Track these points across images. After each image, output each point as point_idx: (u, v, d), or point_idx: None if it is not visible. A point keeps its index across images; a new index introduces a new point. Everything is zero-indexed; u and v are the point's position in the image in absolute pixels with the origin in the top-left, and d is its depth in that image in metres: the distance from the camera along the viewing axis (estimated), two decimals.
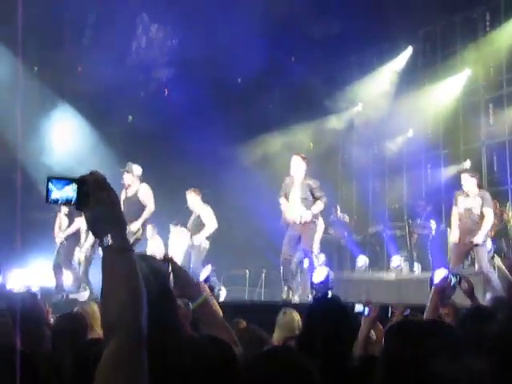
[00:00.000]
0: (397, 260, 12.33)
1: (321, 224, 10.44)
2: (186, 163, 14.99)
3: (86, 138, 15.29)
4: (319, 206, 9.03)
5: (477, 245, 8.76)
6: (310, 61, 14.80)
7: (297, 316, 4.89)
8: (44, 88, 14.84)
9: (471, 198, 8.90)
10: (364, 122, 16.13)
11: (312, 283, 7.23)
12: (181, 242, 11.37)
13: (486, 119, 14.36)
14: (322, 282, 6.98)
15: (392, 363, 1.82)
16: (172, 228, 12.14)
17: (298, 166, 9.17)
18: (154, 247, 11.76)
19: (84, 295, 10.34)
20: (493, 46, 14.01)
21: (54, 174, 1.76)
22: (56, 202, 1.75)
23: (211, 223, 10.55)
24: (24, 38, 13.41)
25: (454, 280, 4.44)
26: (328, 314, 3.09)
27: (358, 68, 16.45)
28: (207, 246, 10.55)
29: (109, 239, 1.63)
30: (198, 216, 10.68)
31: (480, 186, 9.21)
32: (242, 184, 14.52)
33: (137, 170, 10.32)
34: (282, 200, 9.21)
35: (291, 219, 8.99)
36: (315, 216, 9.08)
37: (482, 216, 8.85)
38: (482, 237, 8.77)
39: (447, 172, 14.54)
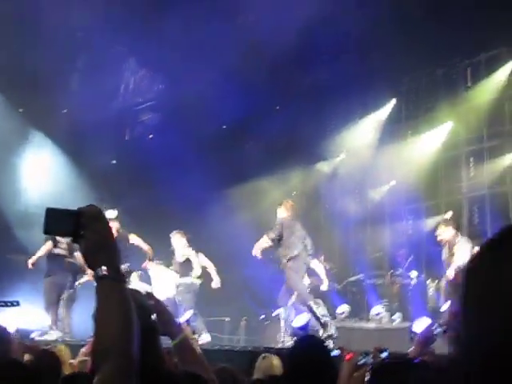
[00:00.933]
0: (377, 309, 12.30)
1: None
2: (168, 208, 14.98)
3: (68, 180, 15.28)
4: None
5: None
6: (295, 109, 14.98)
7: (276, 361, 4.85)
8: (28, 129, 14.91)
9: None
10: (347, 171, 16.25)
11: (293, 328, 7.19)
12: (163, 278, 11.31)
13: (467, 172, 14.55)
14: (302, 328, 6.94)
15: None
16: (156, 263, 12.14)
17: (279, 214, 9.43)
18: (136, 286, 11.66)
19: (53, 334, 10.31)
20: (474, 100, 14.28)
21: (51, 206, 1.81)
22: (53, 232, 1.81)
23: (197, 265, 10.61)
24: (11, 79, 13.56)
25: (438, 330, 4.48)
26: (312, 350, 3.10)
27: (342, 117, 16.64)
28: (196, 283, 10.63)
29: (103, 270, 1.66)
30: (186, 259, 10.70)
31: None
32: (224, 230, 14.52)
33: (110, 214, 10.37)
34: None
35: None
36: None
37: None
38: (451, 271, 8.98)
39: (428, 223, 14.63)
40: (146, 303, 2.37)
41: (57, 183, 14.87)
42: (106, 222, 1.77)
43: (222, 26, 12.96)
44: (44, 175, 15.33)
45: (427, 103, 15.36)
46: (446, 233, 9.34)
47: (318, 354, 3.17)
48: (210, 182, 14.18)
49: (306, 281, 10.05)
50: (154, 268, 12.04)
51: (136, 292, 2.38)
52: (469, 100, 14.43)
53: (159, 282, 11.59)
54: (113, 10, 13.18)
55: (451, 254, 9.29)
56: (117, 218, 10.60)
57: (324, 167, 16.96)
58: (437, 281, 12.63)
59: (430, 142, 14.96)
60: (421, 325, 6.92)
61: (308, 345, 3.29)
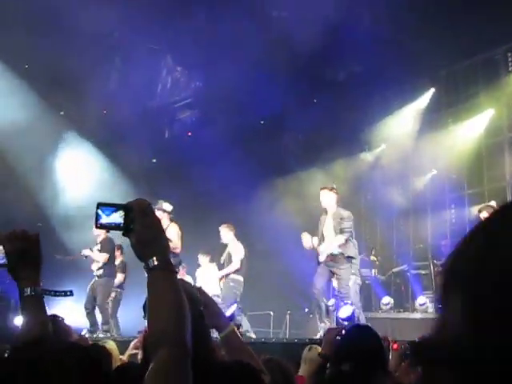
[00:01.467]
0: (422, 299, 12.19)
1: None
2: (209, 204, 15.09)
3: (108, 181, 15.44)
4: (339, 239, 8.95)
5: None
6: (333, 101, 14.90)
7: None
8: (68, 132, 15.12)
9: None
10: (388, 162, 16.12)
11: (338, 318, 7.18)
12: (208, 274, 11.38)
13: (511, 158, 14.30)
14: (348, 318, 6.93)
15: None
16: (201, 258, 12.19)
17: (327, 198, 9.20)
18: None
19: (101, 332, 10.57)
20: None
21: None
22: (104, 226, 1.86)
23: (236, 261, 10.61)
24: (51, 83, 13.78)
25: None
26: (365, 339, 3.12)
27: (380, 108, 16.52)
28: (241, 279, 10.63)
29: (154, 261, 1.70)
30: (229, 252, 10.77)
31: None
32: (267, 223, 14.56)
33: (167, 207, 10.47)
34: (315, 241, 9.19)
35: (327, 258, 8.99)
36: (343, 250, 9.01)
37: None
38: None
39: (472, 212, 14.44)
40: (196, 294, 2.40)
41: (97, 184, 15.05)
42: (154, 215, 1.80)
43: (254, 21, 12.99)
44: (84, 177, 15.54)
45: (467, 90, 15.15)
46: None
47: (370, 343, 3.19)
48: (249, 176, 14.21)
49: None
50: (204, 262, 12.16)
51: (186, 283, 2.42)
52: (510, 85, 14.19)
53: (204, 276, 11.67)
54: (147, 9, 13.29)
55: None
56: (172, 212, 10.69)
57: (365, 158, 16.88)
58: None
59: (471, 130, 14.75)
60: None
61: (360, 333, 3.30)
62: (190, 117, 17.07)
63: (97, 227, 1.86)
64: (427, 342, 0.81)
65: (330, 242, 8.89)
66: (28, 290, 2.04)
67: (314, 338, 7.80)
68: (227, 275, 10.64)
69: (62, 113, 15.28)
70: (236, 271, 10.64)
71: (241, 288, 10.72)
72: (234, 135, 14.67)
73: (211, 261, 11.77)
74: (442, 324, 0.81)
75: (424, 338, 0.83)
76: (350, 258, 9.06)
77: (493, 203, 13.75)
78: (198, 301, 2.35)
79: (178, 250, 10.23)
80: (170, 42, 14.94)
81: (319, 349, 4.89)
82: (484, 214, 9.09)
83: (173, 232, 10.16)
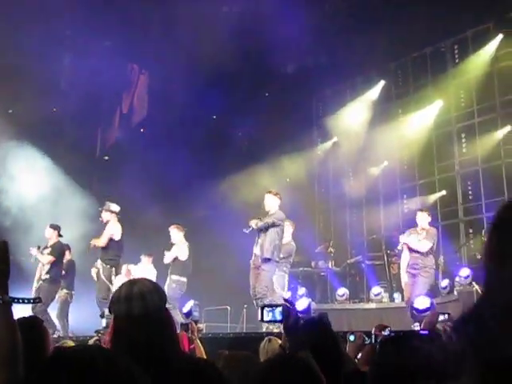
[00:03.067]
0: (377, 289, 12.37)
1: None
2: (165, 202, 15.00)
3: (56, 180, 15.13)
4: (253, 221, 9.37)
5: None
6: (285, 95, 14.97)
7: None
8: (17, 130, 14.79)
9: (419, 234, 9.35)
10: (340, 154, 16.30)
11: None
12: (144, 273, 11.30)
13: (460, 148, 14.58)
14: (303, 311, 6.99)
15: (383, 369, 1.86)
16: (143, 258, 12.15)
17: (269, 203, 9.42)
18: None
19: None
20: (462, 76, 14.33)
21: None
22: None
23: (168, 257, 10.68)
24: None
25: (442, 318, 4.59)
26: (320, 331, 3.18)
27: (332, 102, 16.68)
28: (184, 280, 10.66)
29: None
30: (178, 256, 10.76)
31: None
32: (222, 220, 14.54)
33: (115, 208, 10.42)
34: None
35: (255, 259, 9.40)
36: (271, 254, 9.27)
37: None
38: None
39: (423, 202, 14.69)
40: (162, 289, 2.44)
41: (45, 185, 14.75)
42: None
43: (203, 16, 12.95)
44: (32, 176, 15.19)
45: (416, 82, 15.40)
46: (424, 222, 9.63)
47: (325, 335, 3.24)
48: (202, 172, 14.21)
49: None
50: (144, 262, 12.13)
51: (148, 280, 2.46)
52: (457, 76, 14.47)
53: (139, 274, 11.59)
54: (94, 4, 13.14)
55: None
56: (119, 212, 10.64)
57: (316, 152, 17.01)
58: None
59: (421, 121, 14.99)
60: (422, 302, 6.98)
61: (315, 325, 3.35)
62: (141, 113, 16.93)
63: None
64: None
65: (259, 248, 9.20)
66: None
67: (272, 331, 7.86)
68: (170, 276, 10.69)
69: (10, 111, 14.98)
70: (179, 272, 10.69)
71: (183, 288, 10.77)
72: (185, 130, 14.62)
73: (152, 262, 11.78)
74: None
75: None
76: (267, 259, 9.27)
77: (442, 193, 14.12)
78: (163, 295, 2.43)
79: (101, 245, 10.27)
80: (121, 39, 14.76)
81: (278, 340, 4.94)
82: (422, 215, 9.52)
83: (109, 227, 10.24)
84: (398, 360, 1.91)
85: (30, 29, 12.33)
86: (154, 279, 10.97)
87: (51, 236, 10.97)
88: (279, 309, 2.62)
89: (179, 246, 10.86)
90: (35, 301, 2.13)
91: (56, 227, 11.09)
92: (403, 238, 9.60)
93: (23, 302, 2.08)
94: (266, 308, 2.64)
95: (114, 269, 10.23)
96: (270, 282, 9.47)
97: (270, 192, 9.61)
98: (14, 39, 12.48)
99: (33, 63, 12.98)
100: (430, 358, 1.90)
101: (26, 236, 12.84)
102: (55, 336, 10.24)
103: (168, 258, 10.75)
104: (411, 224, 14.41)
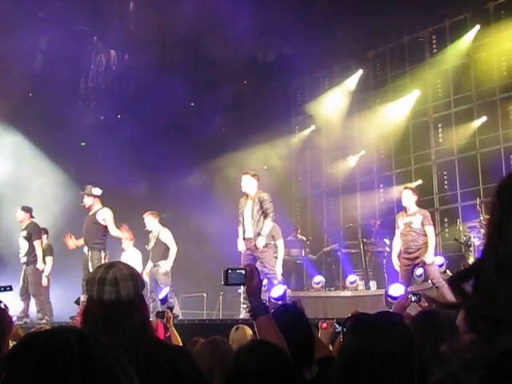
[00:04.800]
0: (352, 277, 12.46)
1: (281, 245, 10.46)
2: (142, 188, 14.95)
3: (34, 165, 14.98)
4: (267, 225, 9.07)
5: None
6: (262, 83, 14.97)
7: (249, 331, 4.92)
8: None
9: (411, 216, 9.19)
10: (317, 143, 16.34)
11: (270, 298, 7.28)
12: (132, 259, 11.23)
13: (436, 138, 14.69)
14: (279, 298, 7.02)
15: (350, 354, 1.88)
16: (124, 243, 12.06)
17: (248, 183, 9.27)
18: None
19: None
20: (440, 66, 14.41)
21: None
22: None
23: (174, 245, 10.57)
24: None
25: (414, 298, 4.64)
26: (290, 318, 3.22)
27: (310, 90, 16.71)
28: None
29: None
30: (158, 238, 10.66)
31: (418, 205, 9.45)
32: (199, 208, 14.54)
33: (97, 191, 10.31)
34: (240, 228, 9.27)
35: (247, 243, 9.07)
36: (268, 237, 9.17)
37: (423, 231, 9.11)
38: (432, 256, 9.02)
39: (399, 191, 14.80)
40: (138, 276, 2.45)
41: (21, 169, 14.60)
42: None
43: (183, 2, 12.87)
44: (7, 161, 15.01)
45: (394, 71, 15.46)
46: (411, 203, 9.36)
47: (298, 321, 3.29)
48: (180, 159, 14.17)
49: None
50: (126, 247, 12.06)
51: (126, 266, 2.46)
52: (435, 66, 14.56)
53: (128, 261, 11.50)
54: None
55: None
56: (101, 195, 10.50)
57: (293, 140, 17.03)
58: None
59: (398, 110, 15.07)
60: (396, 290, 7.05)
61: (286, 313, 3.38)
62: (118, 99, 16.76)
63: None
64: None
65: (253, 231, 9.02)
66: None
67: (246, 318, 7.90)
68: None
69: None
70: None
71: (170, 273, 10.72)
72: (163, 117, 14.56)
73: (134, 245, 11.62)
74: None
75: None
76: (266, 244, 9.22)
77: (418, 183, 14.22)
78: (141, 282, 2.46)
79: (110, 235, 10.14)
80: (97, 24, 14.64)
81: (246, 328, 4.96)
82: (406, 193, 9.32)
83: (108, 216, 10.07)
84: (366, 342, 1.93)
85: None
86: (139, 261, 10.97)
87: (23, 218, 10.76)
88: (242, 271, 2.64)
89: (165, 231, 10.72)
90: (6, 289, 2.11)
91: (28, 209, 10.87)
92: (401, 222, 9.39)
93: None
94: (229, 271, 2.66)
95: (102, 252, 10.02)
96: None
97: (247, 173, 9.45)
98: None
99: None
100: (402, 338, 1.94)
101: None
102: (44, 321, 10.16)
103: (172, 243, 10.61)
104: (388, 213, 14.61)
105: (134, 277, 2.40)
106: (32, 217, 10.90)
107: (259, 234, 9.00)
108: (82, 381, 1.14)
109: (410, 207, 9.21)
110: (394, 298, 6.91)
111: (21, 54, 13.62)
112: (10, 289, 1.87)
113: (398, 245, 9.48)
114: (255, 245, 8.97)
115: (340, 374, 1.90)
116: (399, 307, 4.45)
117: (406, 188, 9.66)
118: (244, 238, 9.22)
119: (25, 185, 13.86)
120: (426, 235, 9.08)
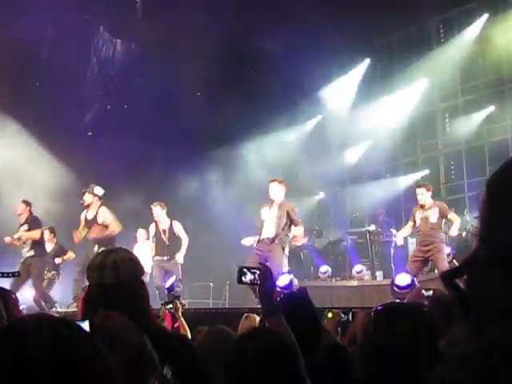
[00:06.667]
0: (359, 267, 12.46)
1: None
2: (151, 178, 14.96)
3: (39, 157, 14.90)
4: (299, 230, 9.14)
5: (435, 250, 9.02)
6: (269, 73, 14.91)
7: (258, 319, 4.93)
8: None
9: (427, 210, 9.23)
10: (324, 133, 16.31)
11: (276, 287, 7.29)
12: (143, 251, 11.25)
13: (443, 128, 14.66)
14: (285, 287, 7.05)
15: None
16: (139, 233, 12.07)
17: (276, 190, 9.21)
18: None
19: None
20: (447, 56, 14.35)
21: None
22: None
23: (186, 237, 10.57)
24: None
25: (426, 294, 4.62)
26: (298, 306, 3.25)
27: (316, 80, 16.65)
28: None
29: None
30: (170, 231, 10.62)
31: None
32: (209, 197, 14.57)
33: (99, 191, 10.29)
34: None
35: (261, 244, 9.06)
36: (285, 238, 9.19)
37: (440, 226, 9.13)
38: (455, 230, 9.19)
39: (406, 180, 14.78)
40: (138, 261, 2.45)
41: (27, 163, 14.54)
42: None
43: None
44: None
45: (401, 61, 15.40)
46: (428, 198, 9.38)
47: (304, 308, 3.31)
48: (190, 149, 14.18)
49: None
50: (140, 237, 12.10)
51: (125, 251, 2.46)
52: (442, 56, 14.49)
53: (140, 253, 11.51)
54: None
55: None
56: (102, 196, 10.47)
57: (301, 130, 17.00)
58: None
59: (405, 100, 15.02)
60: (403, 279, 7.05)
61: (292, 300, 3.41)
62: (127, 89, 16.74)
63: None
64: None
65: (273, 232, 9.00)
66: None
67: (254, 307, 7.91)
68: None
69: None
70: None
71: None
72: (170, 106, 14.55)
73: (148, 238, 11.60)
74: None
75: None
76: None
77: (425, 173, 14.20)
78: (140, 270, 2.44)
79: (115, 233, 10.15)
80: (103, 13, 14.61)
81: (255, 317, 4.98)
82: (421, 191, 9.33)
83: (107, 216, 10.08)
84: (393, 329, 1.97)
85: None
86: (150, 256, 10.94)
87: (23, 211, 10.50)
88: (257, 271, 2.68)
89: (176, 222, 10.69)
90: (14, 274, 2.09)
91: (29, 203, 10.67)
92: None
93: (3, 276, 2.04)
94: (244, 270, 2.69)
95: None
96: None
97: (275, 180, 9.37)
98: None
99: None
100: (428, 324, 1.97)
101: None
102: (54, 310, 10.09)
103: (184, 233, 10.61)
104: (393, 203, 14.60)
105: (134, 261, 2.42)
106: (31, 211, 10.64)
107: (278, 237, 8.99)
108: (55, 368, 1.13)
109: (426, 203, 9.26)
110: (401, 288, 6.93)
111: (27, 42, 13.60)
112: (18, 274, 1.85)
113: (405, 232, 9.58)
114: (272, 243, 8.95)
115: (370, 361, 1.94)
116: (412, 301, 4.45)
117: (419, 187, 9.61)
118: (259, 240, 9.17)
119: (27, 176, 13.78)
120: (441, 230, 9.22)
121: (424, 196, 9.26)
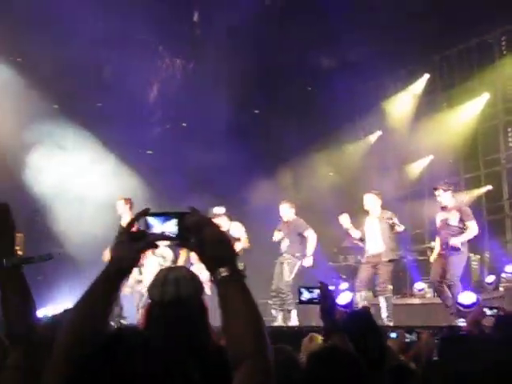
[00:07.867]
0: (420, 285, 12.24)
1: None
2: (211, 194, 15.05)
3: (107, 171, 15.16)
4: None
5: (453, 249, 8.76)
6: (328, 89, 14.87)
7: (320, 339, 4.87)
8: (64, 124, 14.88)
9: (447, 212, 9.04)
10: (384, 148, 16.15)
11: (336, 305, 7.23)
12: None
13: (506, 142, 14.34)
14: (346, 306, 6.98)
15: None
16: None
17: (371, 202, 9.64)
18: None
19: None
20: (510, 69, 14.05)
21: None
22: (160, 238, 1.71)
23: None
24: (47, 78, 13.67)
25: (489, 312, 4.50)
26: (362, 324, 3.20)
27: (375, 95, 16.53)
28: None
29: (223, 272, 1.60)
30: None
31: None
32: (268, 213, 14.55)
33: (218, 210, 10.36)
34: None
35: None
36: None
37: (460, 230, 8.94)
38: (458, 241, 8.80)
39: (468, 196, 14.49)
40: (198, 278, 2.45)
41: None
42: (212, 224, 1.68)
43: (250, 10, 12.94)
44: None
45: (462, 74, 15.15)
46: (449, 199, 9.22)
47: (369, 327, 3.26)
48: (249, 166, 14.23)
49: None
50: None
51: (185, 268, 2.48)
52: (505, 69, 14.20)
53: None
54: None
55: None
56: (225, 214, 10.49)
57: (360, 146, 16.88)
58: (479, 255, 12.52)
59: (466, 114, 14.77)
60: (467, 298, 6.88)
61: (357, 321, 3.35)
62: (183, 107, 16.93)
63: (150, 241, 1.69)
64: None
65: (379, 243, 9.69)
66: (4, 262, 1.80)
67: (316, 325, 7.84)
68: None
69: (55, 106, 15.10)
70: None
71: None
72: (229, 124, 14.63)
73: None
74: None
75: None
76: None
77: (487, 188, 13.90)
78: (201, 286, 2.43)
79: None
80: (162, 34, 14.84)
81: (319, 336, 4.91)
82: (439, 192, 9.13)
83: (239, 230, 10.17)
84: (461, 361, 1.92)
85: None
86: None
87: (123, 211, 10.09)
88: (317, 290, 2.66)
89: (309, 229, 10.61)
90: (50, 257, 1.98)
91: (128, 200, 10.27)
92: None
93: (36, 261, 1.92)
94: (303, 288, 2.68)
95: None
96: None
97: (370, 192, 10.10)
98: None
99: None
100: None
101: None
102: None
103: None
104: None
105: (195, 279, 2.42)
106: (131, 209, 10.11)
107: None
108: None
109: (448, 205, 9.09)
110: (465, 307, 6.76)
111: (88, 66, 13.95)
112: (51, 257, 1.78)
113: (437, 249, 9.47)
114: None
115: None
116: (472, 322, 4.33)
117: (435, 189, 9.47)
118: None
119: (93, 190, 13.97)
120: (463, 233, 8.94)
121: (441, 197, 9.10)
